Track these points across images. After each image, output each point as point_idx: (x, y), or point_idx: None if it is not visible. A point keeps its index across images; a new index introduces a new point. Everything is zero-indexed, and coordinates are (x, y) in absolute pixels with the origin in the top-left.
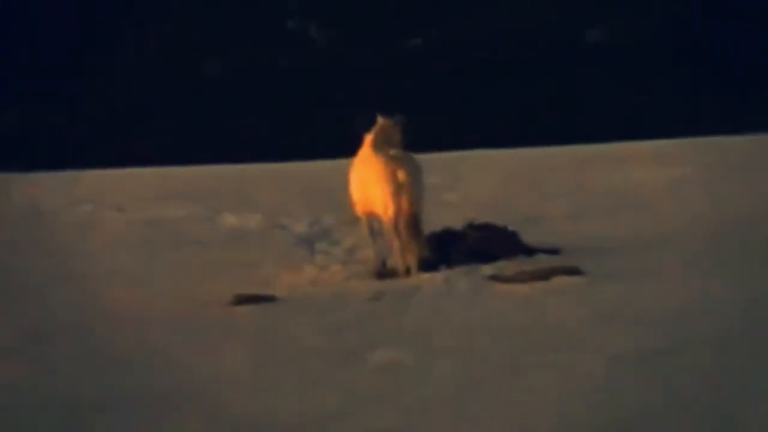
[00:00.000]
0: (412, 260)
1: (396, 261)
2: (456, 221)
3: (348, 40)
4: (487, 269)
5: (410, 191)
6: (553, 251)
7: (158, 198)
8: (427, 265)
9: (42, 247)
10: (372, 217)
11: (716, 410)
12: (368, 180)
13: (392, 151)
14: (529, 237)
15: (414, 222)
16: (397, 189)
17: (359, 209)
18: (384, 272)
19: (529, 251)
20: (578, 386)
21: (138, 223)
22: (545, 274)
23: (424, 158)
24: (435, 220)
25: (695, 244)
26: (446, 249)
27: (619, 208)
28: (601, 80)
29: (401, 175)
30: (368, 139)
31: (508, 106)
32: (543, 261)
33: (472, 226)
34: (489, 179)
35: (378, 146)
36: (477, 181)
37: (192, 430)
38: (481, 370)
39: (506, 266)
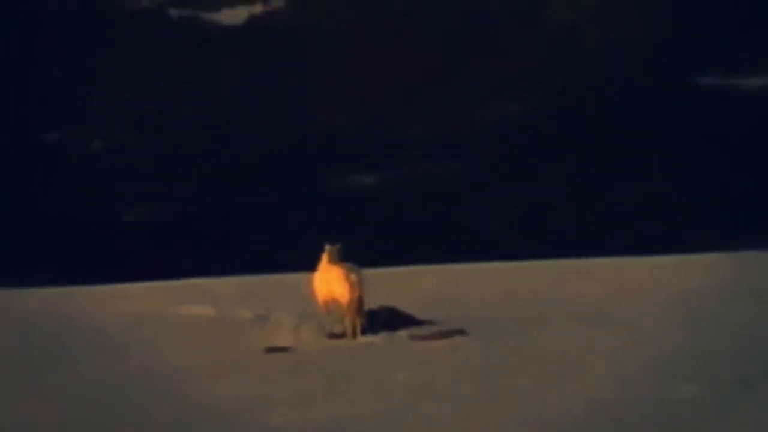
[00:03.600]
0: (357, 327)
1: (346, 327)
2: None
3: None
4: (402, 332)
5: (358, 286)
6: (433, 322)
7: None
8: (363, 330)
9: None
10: (330, 303)
11: None
12: (331, 280)
13: (344, 264)
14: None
15: (359, 304)
16: (351, 285)
17: (320, 298)
18: (334, 335)
19: (420, 322)
20: None
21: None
22: (444, 335)
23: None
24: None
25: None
26: (373, 321)
27: None
28: None
29: (353, 276)
30: (324, 256)
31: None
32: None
33: (384, 308)
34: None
35: (332, 261)
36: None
37: None
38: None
39: (413, 330)
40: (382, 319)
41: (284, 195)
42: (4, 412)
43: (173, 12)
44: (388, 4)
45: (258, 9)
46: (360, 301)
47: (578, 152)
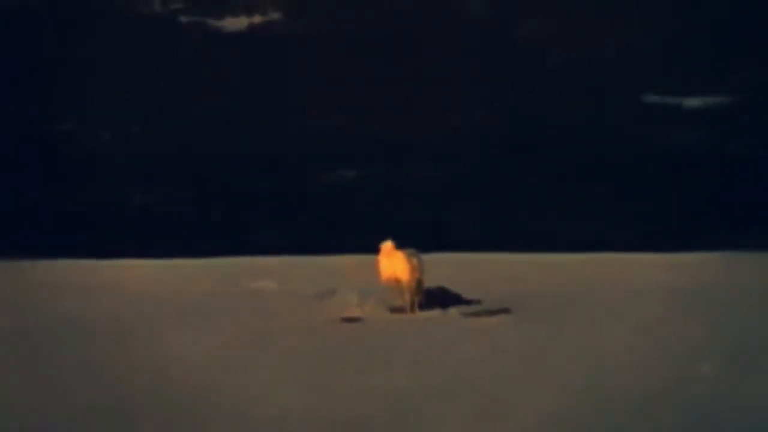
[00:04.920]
0: (415, 303)
1: (406, 303)
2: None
3: None
4: (453, 309)
5: (418, 268)
6: (484, 300)
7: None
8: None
9: None
10: (392, 282)
11: None
12: (395, 263)
13: (406, 250)
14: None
15: (418, 284)
16: (412, 267)
17: (384, 277)
18: (396, 309)
19: (468, 302)
20: None
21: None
22: (491, 313)
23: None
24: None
25: None
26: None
27: None
28: None
29: (414, 261)
30: (389, 244)
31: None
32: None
33: (439, 288)
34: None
35: (395, 248)
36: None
37: None
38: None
39: (460, 308)
40: (436, 297)
41: (276, 186)
42: (89, 382)
43: (182, 18)
44: (369, 21)
45: (257, 19)
46: (419, 281)
47: (538, 158)
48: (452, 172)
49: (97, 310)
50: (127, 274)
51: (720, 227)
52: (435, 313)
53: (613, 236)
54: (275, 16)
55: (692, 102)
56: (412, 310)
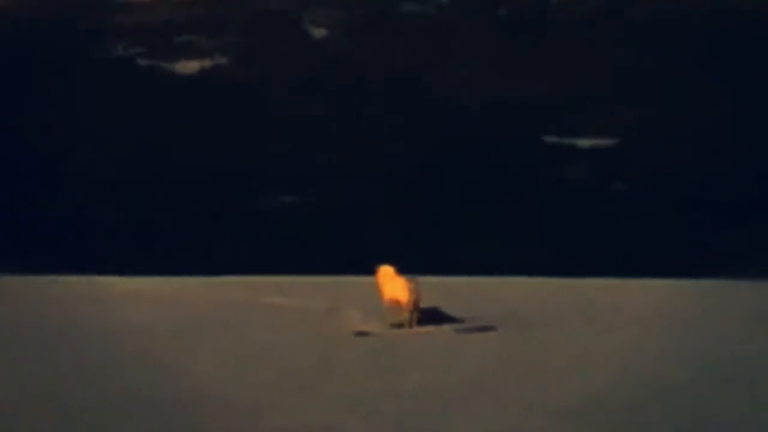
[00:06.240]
0: (414, 321)
1: (405, 320)
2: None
3: None
4: (446, 326)
5: (416, 291)
6: (470, 319)
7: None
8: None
9: None
10: (393, 302)
11: None
12: (396, 287)
13: (405, 276)
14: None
15: (416, 304)
16: (411, 290)
17: (386, 298)
18: (396, 325)
19: (456, 320)
20: None
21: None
22: (479, 329)
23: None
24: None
25: None
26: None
27: None
28: None
29: (412, 285)
30: (389, 269)
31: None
32: (471, 323)
33: (432, 309)
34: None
35: (395, 273)
36: None
37: None
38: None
39: (454, 326)
40: (430, 316)
41: (220, 210)
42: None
43: (141, 61)
44: (303, 69)
45: (207, 63)
46: (416, 302)
47: (452, 189)
48: (377, 199)
49: (162, 319)
50: (139, 288)
51: (607, 254)
52: (430, 328)
53: (517, 259)
54: (223, 61)
55: (583, 142)
56: (410, 326)
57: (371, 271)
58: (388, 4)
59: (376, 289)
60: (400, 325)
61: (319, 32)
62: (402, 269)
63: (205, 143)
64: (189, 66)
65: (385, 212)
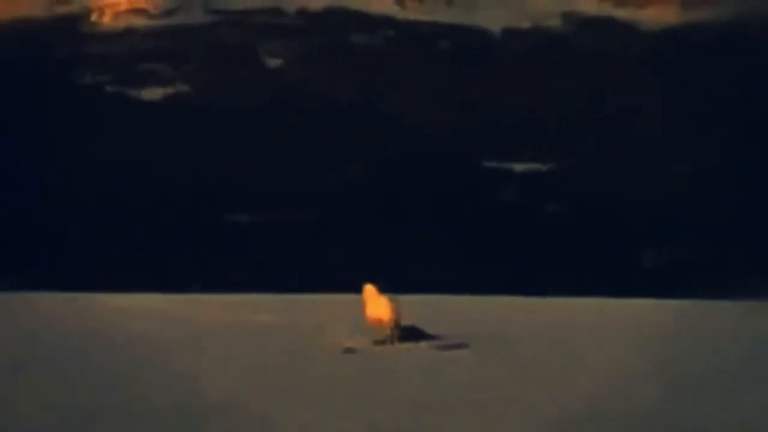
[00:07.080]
0: (395, 337)
1: (387, 337)
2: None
3: None
4: (423, 343)
5: (398, 310)
6: (443, 336)
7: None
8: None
9: None
10: (375, 321)
11: None
12: (379, 306)
13: (387, 295)
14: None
15: (396, 323)
16: (392, 309)
17: (369, 317)
18: (379, 342)
19: (433, 337)
20: None
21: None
22: (454, 346)
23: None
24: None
25: None
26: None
27: None
28: None
29: (393, 304)
30: (372, 288)
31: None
32: (445, 340)
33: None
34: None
35: (378, 293)
36: None
37: None
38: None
39: (430, 343)
40: (407, 333)
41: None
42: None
43: (108, 88)
44: (259, 96)
45: (170, 90)
46: (398, 320)
47: (399, 209)
48: (327, 220)
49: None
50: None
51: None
52: (410, 345)
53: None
54: (184, 88)
55: (519, 167)
56: (392, 342)
57: (335, 288)
58: (339, 36)
59: (360, 307)
60: (382, 342)
61: (274, 62)
62: (345, 288)
63: (168, 164)
64: (153, 92)
65: (332, 231)
